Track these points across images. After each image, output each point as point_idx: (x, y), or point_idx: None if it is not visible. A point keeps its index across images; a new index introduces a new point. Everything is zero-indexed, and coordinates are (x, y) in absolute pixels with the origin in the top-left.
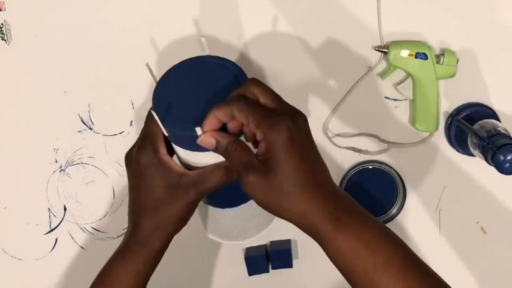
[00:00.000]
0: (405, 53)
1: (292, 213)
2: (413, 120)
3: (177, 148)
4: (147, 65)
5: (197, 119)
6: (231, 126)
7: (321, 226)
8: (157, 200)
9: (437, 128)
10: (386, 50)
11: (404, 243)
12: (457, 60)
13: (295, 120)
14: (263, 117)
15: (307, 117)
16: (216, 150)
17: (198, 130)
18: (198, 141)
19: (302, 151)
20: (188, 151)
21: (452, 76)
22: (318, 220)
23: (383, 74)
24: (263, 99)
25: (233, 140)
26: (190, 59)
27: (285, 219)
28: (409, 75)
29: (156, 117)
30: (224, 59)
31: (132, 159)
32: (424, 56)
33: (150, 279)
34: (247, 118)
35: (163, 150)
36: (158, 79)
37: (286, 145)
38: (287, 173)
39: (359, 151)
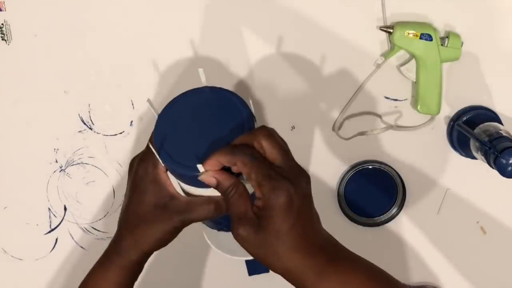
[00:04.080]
0: (410, 33)
1: (278, 268)
2: (415, 103)
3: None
4: (149, 100)
5: (198, 157)
6: (233, 168)
7: (305, 279)
8: (141, 216)
9: (439, 111)
10: (391, 30)
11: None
12: (462, 43)
13: (297, 183)
14: (265, 177)
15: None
16: (216, 188)
17: (200, 167)
18: (199, 178)
19: (297, 216)
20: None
21: (457, 59)
22: (302, 274)
23: (387, 54)
24: (269, 154)
25: (234, 183)
26: (194, 90)
27: (271, 269)
28: (413, 56)
29: (156, 153)
30: (227, 91)
31: (132, 166)
32: (429, 38)
33: (151, 280)
34: (249, 174)
35: (162, 166)
36: (160, 109)
37: (283, 210)
38: (277, 235)
39: (364, 133)
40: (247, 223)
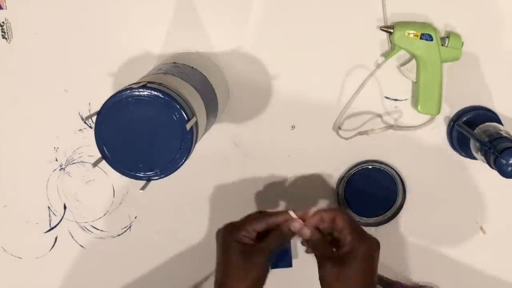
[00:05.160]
0: (411, 33)
1: None
2: (415, 103)
3: None
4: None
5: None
6: (321, 226)
7: None
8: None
9: (439, 112)
10: (391, 30)
11: None
12: (462, 44)
13: (375, 244)
14: (357, 230)
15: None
16: (306, 239)
17: (295, 218)
18: (297, 227)
19: (371, 265)
20: None
21: (457, 59)
22: None
23: (387, 54)
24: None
25: (321, 237)
26: (122, 92)
27: None
28: (413, 56)
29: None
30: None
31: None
32: (429, 38)
33: (150, 279)
34: (345, 226)
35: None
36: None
37: (365, 255)
38: (355, 272)
39: (364, 133)
40: (333, 260)
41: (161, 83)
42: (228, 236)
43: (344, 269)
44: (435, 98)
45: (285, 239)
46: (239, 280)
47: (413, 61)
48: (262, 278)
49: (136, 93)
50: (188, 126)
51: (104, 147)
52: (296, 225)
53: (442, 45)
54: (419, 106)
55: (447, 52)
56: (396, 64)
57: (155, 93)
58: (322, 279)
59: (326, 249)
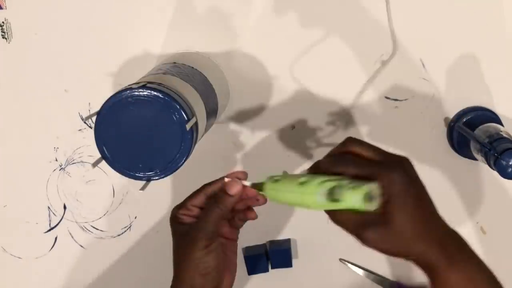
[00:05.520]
0: None
1: (410, 255)
2: None
3: None
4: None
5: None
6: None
7: (437, 264)
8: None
9: None
10: None
11: None
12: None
13: (405, 168)
14: (376, 171)
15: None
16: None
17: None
18: (235, 188)
19: (416, 200)
20: None
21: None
22: (434, 259)
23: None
24: (366, 153)
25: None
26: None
27: (403, 258)
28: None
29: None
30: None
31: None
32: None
33: (149, 278)
34: (362, 172)
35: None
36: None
37: (402, 197)
38: (404, 223)
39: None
40: (374, 224)
41: (161, 83)
42: (172, 220)
43: (388, 228)
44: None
45: (223, 207)
46: (187, 269)
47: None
48: (211, 262)
49: (136, 93)
50: (188, 126)
51: (104, 147)
52: (231, 185)
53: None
54: None
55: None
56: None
57: (155, 93)
58: (373, 248)
59: (348, 218)
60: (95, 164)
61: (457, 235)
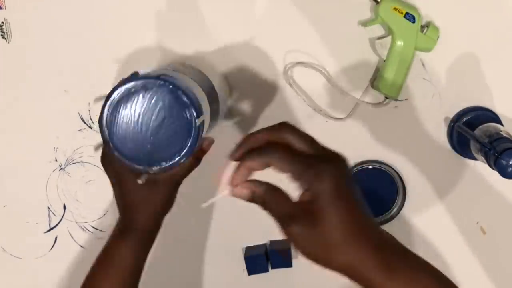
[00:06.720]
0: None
1: (341, 264)
2: (377, 80)
3: None
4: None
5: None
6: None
7: (373, 276)
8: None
9: (397, 96)
10: (378, 0)
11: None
12: (438, 37)
13: (337, 166)
14: (304, 167)
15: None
16: (252, 200)
17: (226, 187)
18: (232, 194)
19: (348, 200)
20: None
21: (429, 50)
22: (369, 270)
23: (366, 23)
24: (299, 146)
25: (269, 188)
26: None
27: (332, 269)
28: (390, 33)
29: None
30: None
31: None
32: (412, 19)
33: (150, 279)
34: (288, 169)
35: None
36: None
37: (333, 196)
38: (335, 225)
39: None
40: (298, 220)
41: (174, 78)
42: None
43: (316, 228)
44: (399, 81)
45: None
46: (139, 211)
47: (389, 39)
48: (164, 207)
49: (151, 81)
50: (198, 122)
51: (107, 131)
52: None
53: (421, 31)
54: (380, 85)
55: (423, 39)
56: (372, 36)
57: (170, 86)
58: (297, 248)
59: (283, 206)
60: (97, 148)
61: (396, 241)
